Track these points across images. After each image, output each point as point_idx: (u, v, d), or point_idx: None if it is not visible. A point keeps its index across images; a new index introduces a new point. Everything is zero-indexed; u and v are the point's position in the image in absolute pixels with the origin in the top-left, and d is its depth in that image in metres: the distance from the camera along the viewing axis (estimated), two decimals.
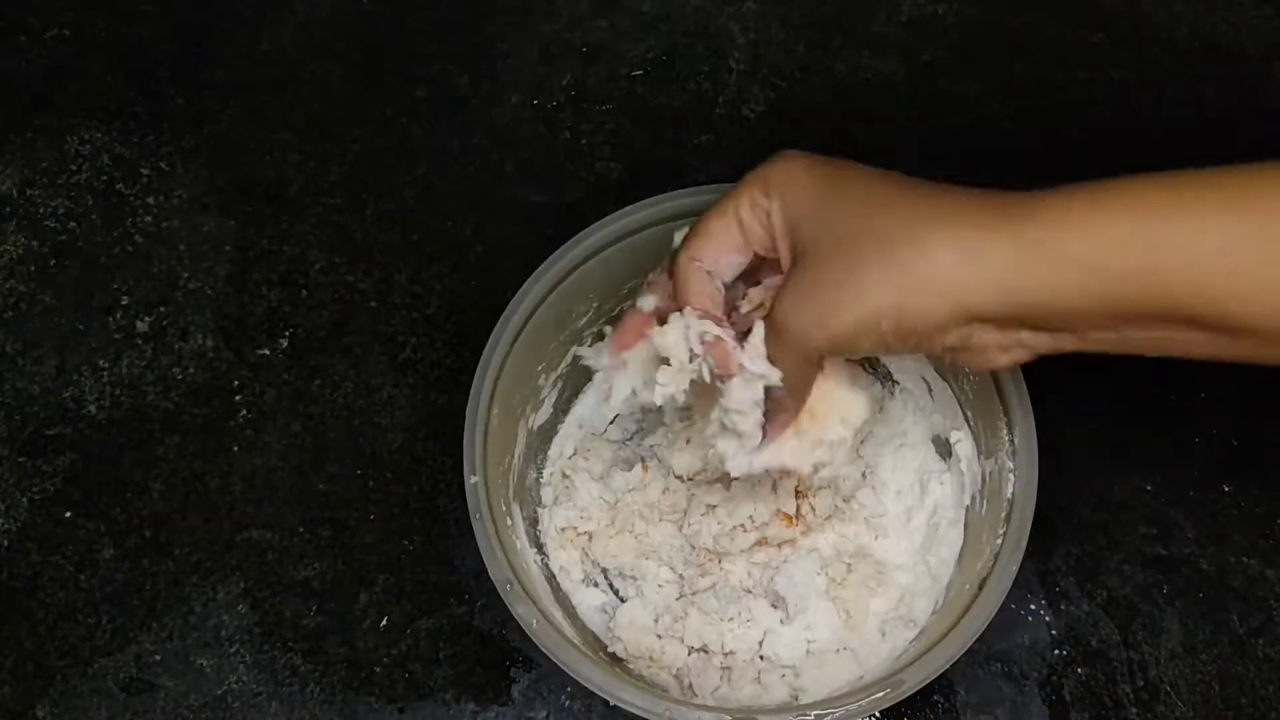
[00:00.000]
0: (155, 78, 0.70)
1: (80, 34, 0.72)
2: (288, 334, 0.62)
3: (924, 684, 0.43)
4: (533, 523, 0.55)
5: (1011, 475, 0.47)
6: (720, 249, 0.41)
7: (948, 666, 0.43)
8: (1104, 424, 0.57)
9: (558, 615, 0.49)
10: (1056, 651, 0.53)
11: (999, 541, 0.46)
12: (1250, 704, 0.51)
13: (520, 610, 0.44)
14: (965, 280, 0.36)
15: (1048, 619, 0.54)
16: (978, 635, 0.44)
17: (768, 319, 0.40)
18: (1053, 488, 0.56)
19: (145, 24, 0.72)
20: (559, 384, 0.56)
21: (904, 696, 0.43)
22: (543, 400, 0.55)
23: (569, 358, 0.55)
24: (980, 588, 0.45)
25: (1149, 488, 0.56)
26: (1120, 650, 0.53)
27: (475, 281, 0.63)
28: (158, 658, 0.55)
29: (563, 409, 0.57)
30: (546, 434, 0.57)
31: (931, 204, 0.37)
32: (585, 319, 0.54)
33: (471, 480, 0.47)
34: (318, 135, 0.68)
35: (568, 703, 0.53)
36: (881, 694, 0.43)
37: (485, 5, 0.72)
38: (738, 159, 0.66)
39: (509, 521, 0.50)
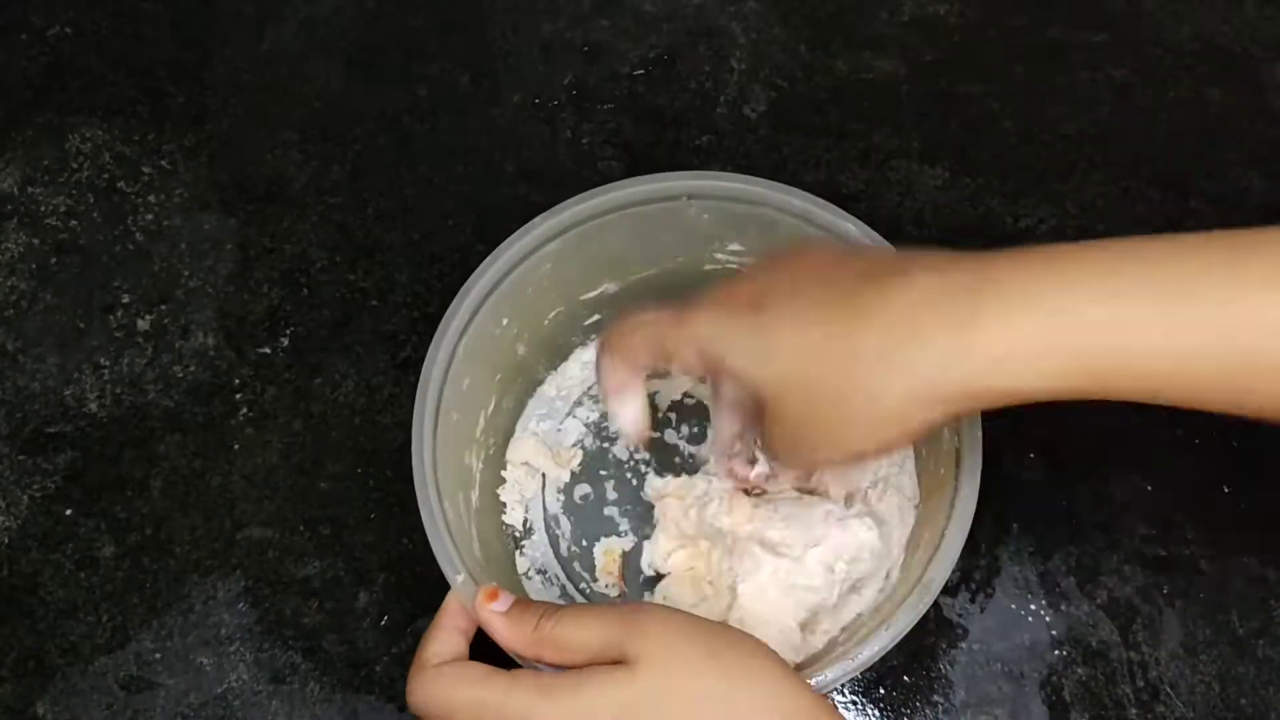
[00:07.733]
0: (157, 76, 0.70)
1: (82, 32, 0.72)
2: (289, 332, 0.62)
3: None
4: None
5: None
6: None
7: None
8: (1104, 423, 0.57)
9: None
10: (1056, 652, 0.53)
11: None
12: (1250, 704, 0.51)
13: None
14: (926, 416, 0.38)
15: (1047, 619, 0.53)
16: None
17: (768, 452, 0.46)
18: (1052, 488, 0.56)
19: (147, 22, 0.72)
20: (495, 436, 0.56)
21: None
22: (475, 480, 0.54)
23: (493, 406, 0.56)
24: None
25: (1149, 488, 0.56)
26: (1120, 651, 0.53)
27: None
28: (158, 656, 0.55)
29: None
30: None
31: (859, 342, 0.38)
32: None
33: (458, 579, 0.44)
34: (319, 134, 0.68)
35: None
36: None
37: (486, 4, 0.72)
38: (739, 159, 0.66)
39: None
